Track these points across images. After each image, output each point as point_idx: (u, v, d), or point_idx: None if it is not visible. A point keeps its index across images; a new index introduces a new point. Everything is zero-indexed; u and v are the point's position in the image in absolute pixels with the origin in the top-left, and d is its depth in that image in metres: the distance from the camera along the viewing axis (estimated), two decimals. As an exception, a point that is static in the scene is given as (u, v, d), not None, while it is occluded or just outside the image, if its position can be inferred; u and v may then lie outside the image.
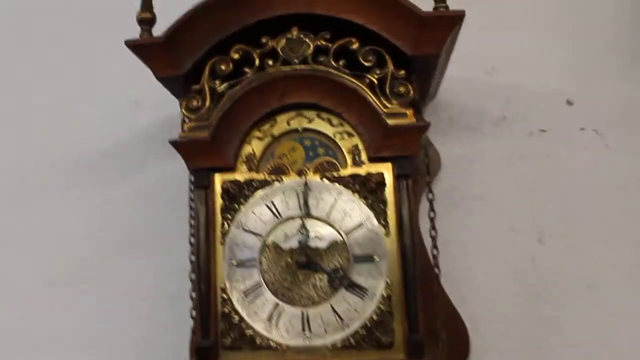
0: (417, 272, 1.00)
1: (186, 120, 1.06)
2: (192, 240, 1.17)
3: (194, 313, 1.11)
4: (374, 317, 1.00)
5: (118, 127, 1.44)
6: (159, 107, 1.41)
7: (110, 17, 1.47)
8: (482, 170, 1.32)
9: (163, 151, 1.38)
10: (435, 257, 1.10)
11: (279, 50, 1.05)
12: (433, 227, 1.11)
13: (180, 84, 1.09)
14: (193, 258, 1.16)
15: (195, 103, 1.06)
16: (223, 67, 1.05)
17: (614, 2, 1.37)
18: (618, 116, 1.32)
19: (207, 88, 1.06)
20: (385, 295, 1.00)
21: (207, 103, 1.05)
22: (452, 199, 1.30)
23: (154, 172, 1.41)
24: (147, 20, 1.09)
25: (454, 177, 1.31)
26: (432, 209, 1.11)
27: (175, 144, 1.05)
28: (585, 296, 1.26)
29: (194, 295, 1.16)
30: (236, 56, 1.05)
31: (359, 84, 1.02)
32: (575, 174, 1.31)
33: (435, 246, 1.11)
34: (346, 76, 1.03)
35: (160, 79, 1.09)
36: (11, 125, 1.46)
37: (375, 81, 1.02)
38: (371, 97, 1.02)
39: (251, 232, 1.04)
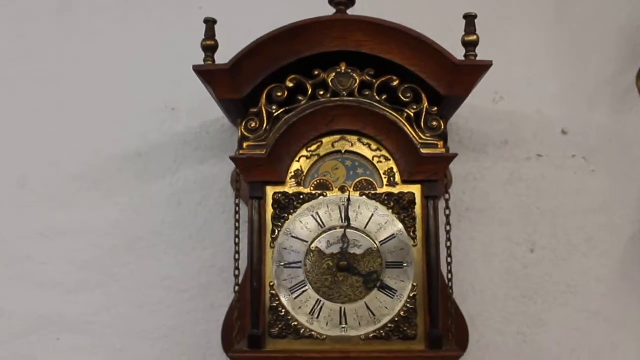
0: (439, 277, 1.19)
1: (244, 139, 1.21)
2: (237, 240, 1.34)
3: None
4: (402, 313, 1.19)
5: (154, 130, 1.56)
6: (194, 115, 1.56)
7: (150, 26, 1.60)
8: (485, 187, 1.52)
9: (196, 155, 1.54)
10: (449, 264, 1.29)
11: (329, 82, 1.21)
12: (449, 239, 1.30)
13: (238, 107, 1.24)
14: (237, 257, 1.33)
15: (253, 124, 1.21)
16: (279, 94, 1.21)
17: (613, 42, 1.56)
18: (604, 145, 1.53)
19: (264, 111, 1.21)
20: (411, 295, 1.19)
21: (265, 125, 1.21)
22: (459, 211, 1.49)
23: (186, 174, 1.54)
24: (211, 47, 1.23)
25: (461, 192, 1.51)
26: (448, 222, 1.29)
27: (235, 160, 1.21)
28: (568, 299, 1.48)
29: (236, 289, 1.33)
30: (291, 85, 1.21)
31: (398, 117, 1.20)
32: (564, 195, 1.52)
33: (449, 255, 1.29)
34: (387, 109, 1.20)
35: (221, 101, 1.23)
36: (50, 122, 1.56)
37: (412, 115, 1.20)
38: (408, 129, 1.19)
39: (298, 238, 1.21)
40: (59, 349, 1.49)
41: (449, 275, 1.30)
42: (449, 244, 1.29)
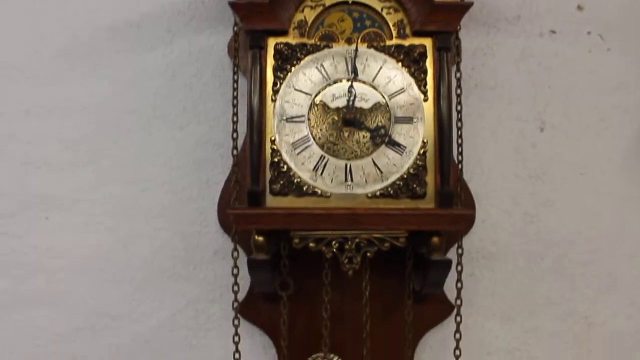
0: (450, 134, 1.13)
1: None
2: (235, 102, 1.27)
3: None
4: (411, 171, 1.13)
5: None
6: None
7: None
8: (495, 63, 1.44)
9: (190, 25, 1.44)
10: (459, 128, 1.23)
11: None
12: (459, 103, 1.23)
13: (237, -50, 1.15)
14: (235, 119, 1.26)
15: (254, -33, 1.12)
16: None
17: None
18: (622, 23, 1.45)
19: (266, -47, 1.12)
20: (421, 152, 1.13)
21: (266, -32, 1.12)
22: (467, 87, 1.41)
23: (180, 45, 1.43)
24: None
25: (469, 67, 1.42)
26: (459, 86, 1.23)
27: (234, 5, 1.12)
28: (578, 180, 1.43)
29: (235, 153, 1.27)
30: None
31: (410, -40, 1.12)
32: (578, 73, 1.45)
33: (460, 119, 1.23)
34: (398, -47, 1.12)
35: (219, -57, 1.14)
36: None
37: (425, -41, 1.12)
38: (421, -26, 1.11)
39: (301, 91, 1.14)
40: (48, 228, 1.41)
41: (459, 140, 1.23)
42: (459, 107, 1.23)
